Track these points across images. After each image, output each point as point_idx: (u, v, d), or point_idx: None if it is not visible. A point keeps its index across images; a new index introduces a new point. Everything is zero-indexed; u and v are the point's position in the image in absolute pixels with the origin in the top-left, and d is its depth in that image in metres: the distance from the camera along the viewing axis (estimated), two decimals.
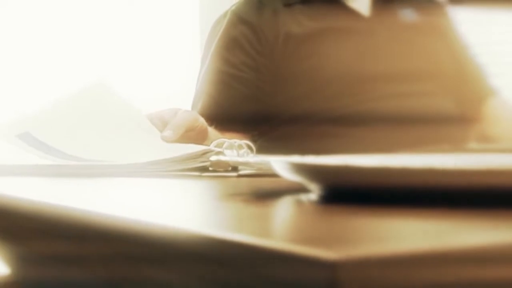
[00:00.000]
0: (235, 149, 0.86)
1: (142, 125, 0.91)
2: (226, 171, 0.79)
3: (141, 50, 2.87)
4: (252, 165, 0.74)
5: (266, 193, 0.61)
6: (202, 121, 1.04)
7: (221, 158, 0.66)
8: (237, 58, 1.35)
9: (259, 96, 1.35)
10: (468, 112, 1.43)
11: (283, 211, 0.48)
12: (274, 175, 0.69)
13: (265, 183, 0.69)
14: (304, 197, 0.50)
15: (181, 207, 0.55)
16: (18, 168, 0.84)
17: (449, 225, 0.36)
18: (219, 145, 0.85)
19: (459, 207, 0.39)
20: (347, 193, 0.42)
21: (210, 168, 0.79)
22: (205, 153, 0.80)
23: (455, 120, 1.38)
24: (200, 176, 0.79)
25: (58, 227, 0.54)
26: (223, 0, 2.83)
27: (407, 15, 1.43)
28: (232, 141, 0.89)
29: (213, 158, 0.73)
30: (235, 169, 0.79)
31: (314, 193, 0.49)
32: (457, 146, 1.23)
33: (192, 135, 0.98)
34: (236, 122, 1.29)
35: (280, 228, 0.40)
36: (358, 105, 1.33)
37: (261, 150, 1.15)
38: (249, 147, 0.89)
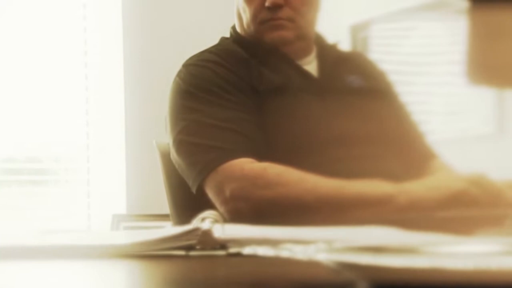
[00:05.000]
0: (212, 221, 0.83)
1: None
2: (214, 249, 0.76)
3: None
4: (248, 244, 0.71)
5: (290, 283, 0.57)
6: None
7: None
8: (228, 93, 1.34)
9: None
10: (413, 174, 1.45)
11: None
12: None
13: (272, 267, 0.66)
14: None
15: None
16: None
17: None
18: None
19: None
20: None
21: (197, 247, 0.76)
22: (190, 231, 0.77)
23: (402, 182, 1.40)
24: (187, 255, 0.76)
25: None
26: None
27: (353, 80, 1.46)
28: (207, 214, 0.86)
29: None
30: (223, 246, 0.76)
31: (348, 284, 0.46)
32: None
33: None
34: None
35: None
36: (310, 169, 1.33)
37: None
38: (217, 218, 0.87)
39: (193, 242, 0.76)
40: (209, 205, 1.30)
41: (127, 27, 2.96)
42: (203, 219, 0.89)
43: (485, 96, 2.68)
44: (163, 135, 1.51)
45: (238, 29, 1.46)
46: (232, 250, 0.75)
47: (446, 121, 2.80)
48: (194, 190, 1.32)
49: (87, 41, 2.93)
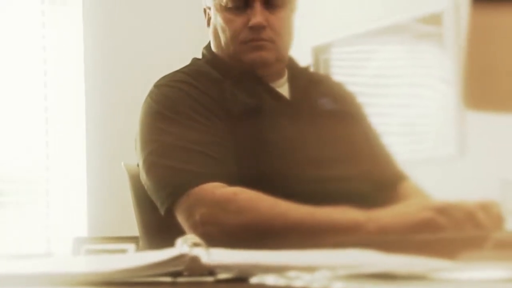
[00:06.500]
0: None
1: None
2: (202, 275, 0.74)
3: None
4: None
5: None
6: None
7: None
8: (200, 116, 1.32)
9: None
10: (384, 195, 1.45)
11: None
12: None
13: None
14: None
15: None
16: None
17: None
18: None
19: None
20: None
21: (185, 273, 0.74)
22: (177, 257, 0.75)
23: (373, 204, 1.40)
24: (174, 282, 0.74)
25: None
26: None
27: (325, 102, 1.47)
28: (189, 238, 0.85)
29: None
30: (211, 272, 0.74)
31: None
32: None
33: None
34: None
35: None
36: (282, 191, 1.32)
37: None
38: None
39: (180, 268, 0.75)
40: (179, 227, 1.29)
41: (88, 44, 2.93)
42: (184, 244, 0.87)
43: (446, 118, 2.72)
44: (126, 155, 1.49)
45: (214, 49, 1.45)
46: (221, 276, 0.74)
47: (407, 143, 2.83)
48: (162, 212, 1.30)
49: (46, 60, 2.89)
